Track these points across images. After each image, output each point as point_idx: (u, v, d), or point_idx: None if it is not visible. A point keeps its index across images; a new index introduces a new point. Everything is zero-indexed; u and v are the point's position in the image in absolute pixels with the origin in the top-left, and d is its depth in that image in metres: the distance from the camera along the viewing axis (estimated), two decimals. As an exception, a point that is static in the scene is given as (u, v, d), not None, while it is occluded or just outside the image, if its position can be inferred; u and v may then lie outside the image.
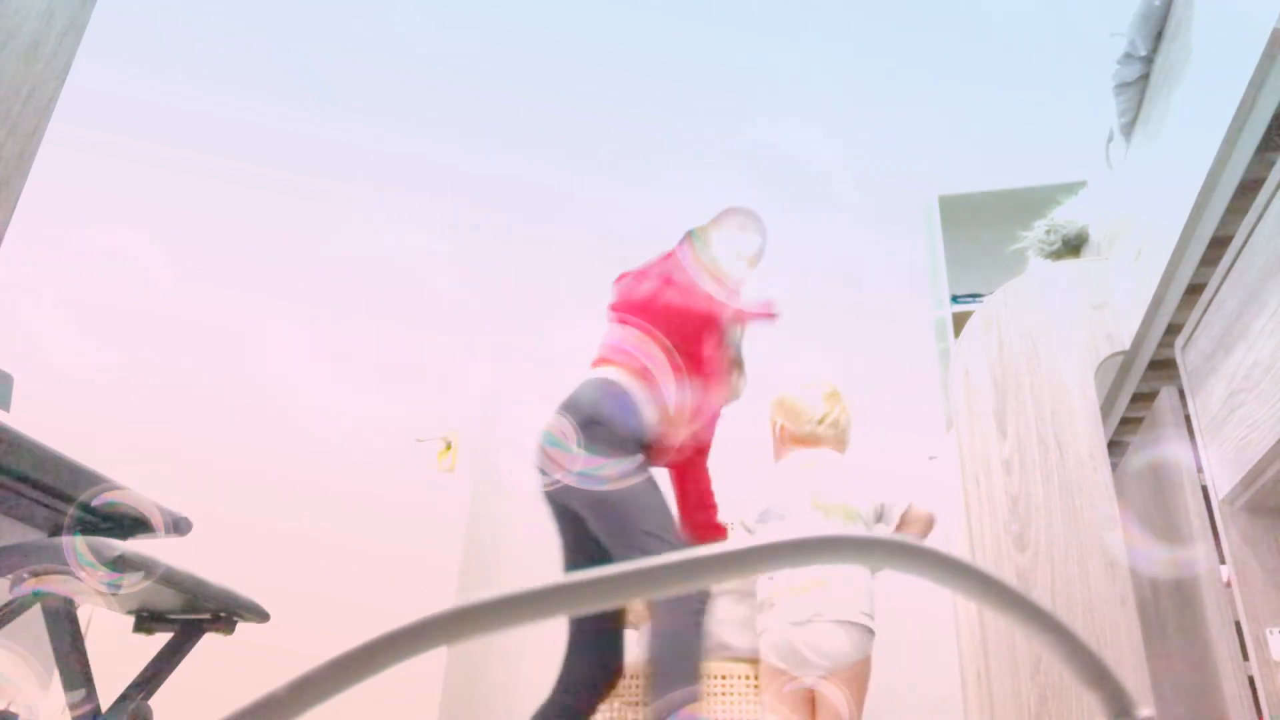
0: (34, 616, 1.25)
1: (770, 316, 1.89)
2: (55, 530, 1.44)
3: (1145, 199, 1.77)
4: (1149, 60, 1.72)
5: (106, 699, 1.27)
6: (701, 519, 2.02)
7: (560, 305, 3.32)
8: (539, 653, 1.75)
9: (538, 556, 2.24)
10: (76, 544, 1.17)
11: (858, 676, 1.81)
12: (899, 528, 1.99)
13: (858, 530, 1.56)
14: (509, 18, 3.68)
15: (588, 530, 1.70)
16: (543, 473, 1.76)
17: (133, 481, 1.44)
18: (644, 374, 1.79)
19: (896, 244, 3.27)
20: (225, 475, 2.86)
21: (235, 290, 3.21)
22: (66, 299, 3.07)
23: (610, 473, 1.64)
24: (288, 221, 3.37)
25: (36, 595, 1.16)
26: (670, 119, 3.56)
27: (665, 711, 1.47)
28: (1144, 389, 1.86)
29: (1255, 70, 1.16)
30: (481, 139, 3.50)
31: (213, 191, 3.35)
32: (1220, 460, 1.41)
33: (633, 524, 1.62)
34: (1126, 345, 1.85)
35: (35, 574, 1.16)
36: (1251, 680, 1.41)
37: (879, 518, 2.01)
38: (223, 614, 1.45)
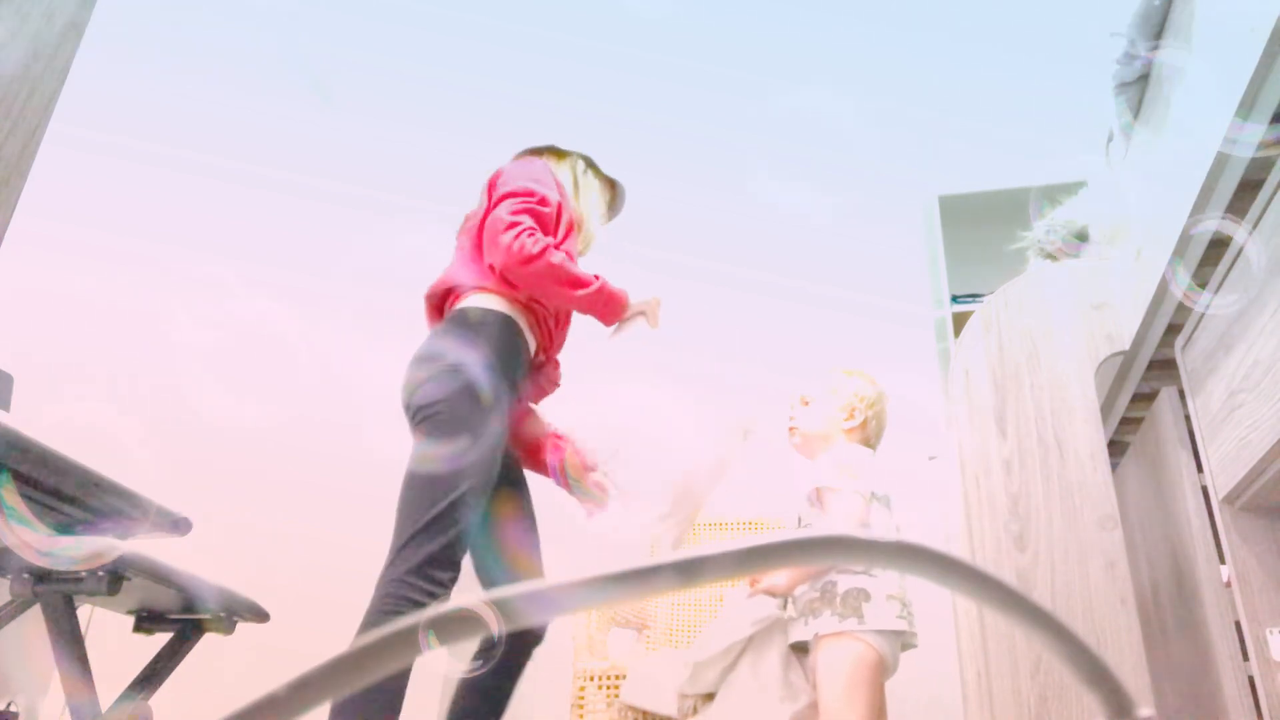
0: (34, 616, 1.25)
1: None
2: (55, 530, 1.44)
3: (1145, 199, 1.77)
4: (1149, 60, 1.72)
5: (106, 699, 1.27)
6: (589, 302, 1.83)
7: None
8: (539, 653, 1.74)
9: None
10: (76, 544, 1.17)
11: None
12: None
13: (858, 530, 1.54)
14: (508, 17, 3.69)
15: None
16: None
17: (133, 481, 1.44)
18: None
19: (896, 244, 3.27)
20: (225, 475, 2.86)
21: (233, 289, 3.21)
22: (67, 299, 3.07)
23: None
24: (287, 221, 3.37)
25: (36, 595, 1.16)
26: (671, 119, 3.57)
27: None
28: (1144, 389, 1.86)
29: (1255, 70, 1.16)
30: (484, 139, 3.50)
31: (213, 191, 3.35)
32: (1220, 460, 1.41)
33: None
34: (1126, 345, 1.84)
35: (35, 574, 1.16)
36: (1251, 680, 1.41)
37: None
38: (223, 614, 1.45)
